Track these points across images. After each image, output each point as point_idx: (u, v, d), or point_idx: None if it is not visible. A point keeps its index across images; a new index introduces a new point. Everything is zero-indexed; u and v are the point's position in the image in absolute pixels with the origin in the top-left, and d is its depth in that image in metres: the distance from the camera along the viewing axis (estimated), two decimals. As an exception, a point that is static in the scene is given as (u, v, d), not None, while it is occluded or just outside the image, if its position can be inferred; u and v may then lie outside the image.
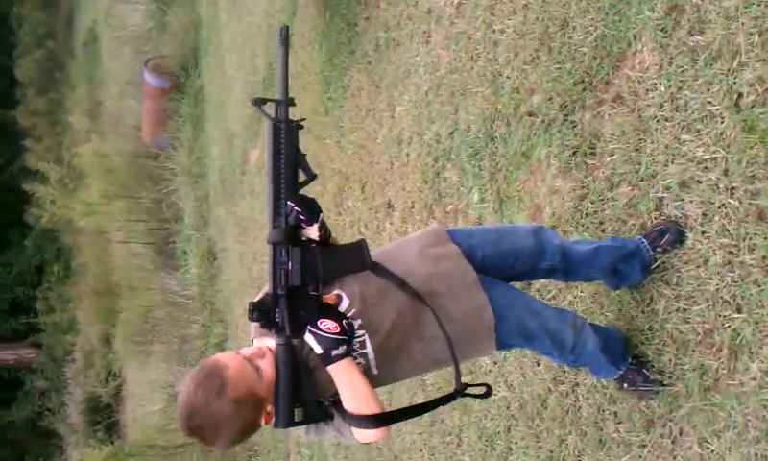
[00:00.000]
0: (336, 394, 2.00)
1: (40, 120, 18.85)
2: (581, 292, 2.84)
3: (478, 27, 3.66)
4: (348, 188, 5.13)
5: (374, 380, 2.09)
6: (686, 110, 2.40)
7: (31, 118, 19.09)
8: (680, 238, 2.39)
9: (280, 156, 2.01)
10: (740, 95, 2.23)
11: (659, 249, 2.43)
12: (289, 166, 2.01)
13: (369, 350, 2.06)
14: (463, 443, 3.54)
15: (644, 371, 2.47)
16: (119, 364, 13.11)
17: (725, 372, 2.24)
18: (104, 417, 14.10)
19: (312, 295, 2.01)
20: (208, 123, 9.68)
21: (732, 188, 2.24)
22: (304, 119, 2.10)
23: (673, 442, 2.41)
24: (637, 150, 2.59)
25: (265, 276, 2.02)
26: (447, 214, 3.80)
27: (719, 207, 2.27)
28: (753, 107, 2.19)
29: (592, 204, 2.80)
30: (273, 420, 2.02)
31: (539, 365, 3.06)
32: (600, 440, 2.69)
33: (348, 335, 1.99)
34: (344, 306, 2.06)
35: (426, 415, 3.76)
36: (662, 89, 2.50)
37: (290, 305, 1.97)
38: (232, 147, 8.30)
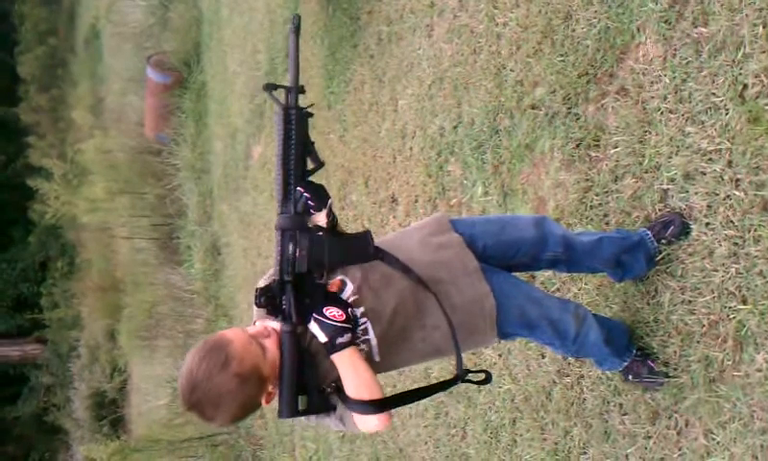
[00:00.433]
0: (337, 380, 2.00)
1: (43, 117, 18.89)
2: (585, 284, 2.84)
3: (481, 20, 3.65)
4: (352, 182, 5.13)
5: (376, 367, 2.09)
6: (691, 102, 2.40)
7: (33, 115, 19.12)
8: (684, 230, 2.39)
9: (291, 142, 2.01)
10: (745, 86, 2.23)
11: (663, 241, 2.43)
12: (299, 152, 2.01)
13: (371, 336, 2.06)
14: (468, 435, 3.55)
15: (649, 362, 2.48)
16: (124, 359, 13.14)
17: (730, 363, 2.24)
18: (109, 412, 14.15)
19: (318, 283, 2.02)
20: (211, 118, 9.68)
21: (737, 180, 2.24)
22: (313, 105, 2.10)
23: (678, 433, 2.41)
24: (642, 142, 2.59)
25: (269, 266, 2.02)
26: (451, 208, 3.80)
27: (724, 199, 2.27)
28: (757, 98, 2.19)
29: (596, 196, 2.80)
30: (274, 403, 2.02)
31: (543, 357, 3.06)
32: (605, 432, 2.70)
33: (352, 323, 2.00)
34: (347, 292, 2.06)
35: (431, 408, 3.79)
36: (667, 81, 2.50)
37: (296, 292, 1.98)
38: (235, 142, 8.30)
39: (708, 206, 2.32)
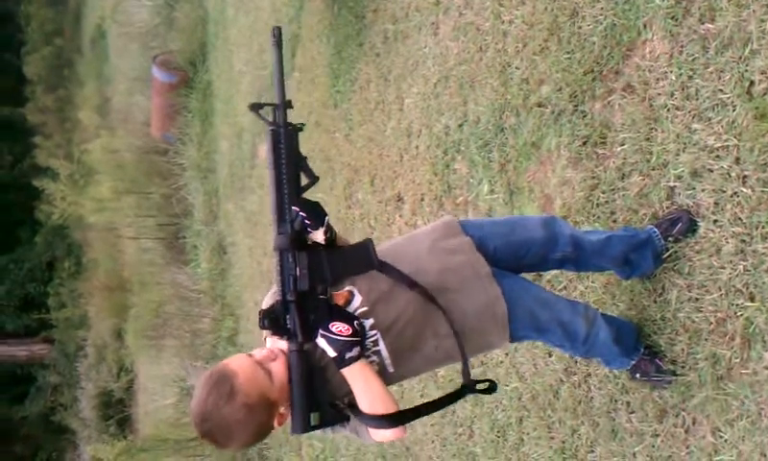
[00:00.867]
0: (350, 394, 2.00)
1: (49, 117, 18.95)
2: (592, 282, 2.84)
3: (487, 18, 3.65)
4: (358, 181, 5.13)
5: (390, 378, 2.09)
6: (698, 99, 2.39)
7: (40, 115, 19.19)
8: (692, 227, 2.38)
9: (281, 161, 2.00)
10: (752, 83, 2.22)
11: (670, 238, 2.42)
12: (291, 171, 2.00)
13: (382, 348, 2.06)
14: (475, 434, 3.55)
15: (656, 361, 2.47)
16: (131, 359, 13.18)
17: (738, 361, 2.23)
18: (116, 412, 14.18)
19: (321, 298, 2.01)
20: (217, 118, 9.70)
21: (745, 176, 2.23)
22: (304, 124, 2.09)
23: (686, 431, 2.40)
24: (648, 139, 2.58)
25: (274, 273, 2.02)
26: (457, 206, 3.80)
27: (731, 196, 2.26)
28: (765, 94, 2.18)
29: (603, 194, 2.79)
30: (287, 421, 2.02)
31: (550, 356, 3.06)
32: (613, 430, 2.69)
33: (360, 336, 1.99)
34: (356, 303, 2.06)
35: (438, 407, 3.78)
36: (673, 78, 2.49)
37: (300, 311, 1.97)
38: (241, 142, 8.31)
39: (716, 204, 2.32)
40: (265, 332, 2.15)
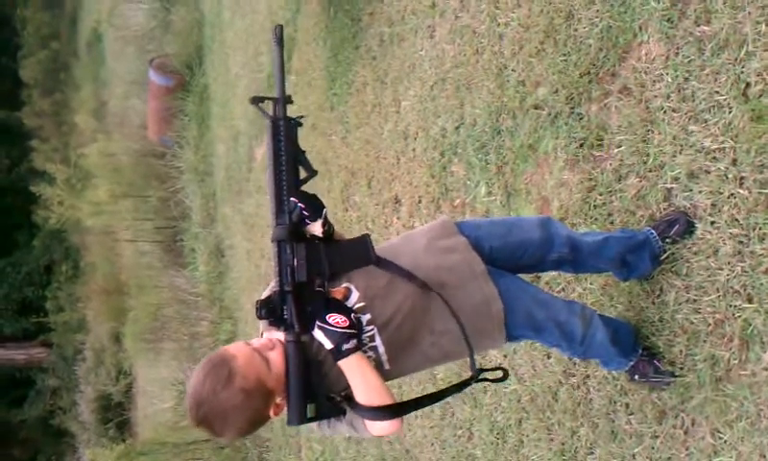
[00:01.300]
0: (347, 388, 2.00)
1: (46, 121, 18.94)
2: (590, 284, 2.84)
3: (483, 20, 3.65)
4: (355, 184, 5.13)
5: (386, 375, 2.09)
6: (694, 101, 2.39)
7: (36, 119, 19.18)
8: (689, 229, 2.38)
9: (280, 153, 2.01)
10: (748, 85, 2.23)
11: (668, 239, 2.43)
12: (290, 163, 2.01)
13: (378, 343, 2.06)
14: (474, 436, 3.55)
15: (655, 362, 2.47)
16: (129, 362, 13.18)
17: (736, 362, 2.23)
18: (115, 415, 14.19)
19: (319, 290, 2.02)
20: (214, 121, 9.70)
21: (741, 178, 2.23)
22: (302, 116, 2.11)
23: (685, 433, 2.41)
24: (645, 141, 2.59)
25: (272, 272, 2.02)
26: (455, 208, 3.80)
27: (728, 197, 2.27)
28: (761, 96, 2.19)
29: (600, 195, 2.80)
30: (283, 413, 2.02)
31: (549, 358, 3.06)
32: (612, 431, 2.70)
33: (357, 329, 1.99)
34: (353, 299, 2.06)
35: (438, 409, 3.79)
36: (669, 80, 2.49)
37: (297, 302, 1.98)
38: (238, 144, 8.31)
39: (713, 205, 2.32)
40: (261, 326, 2.15)
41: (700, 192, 2.36)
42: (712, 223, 2.32)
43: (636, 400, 2.59)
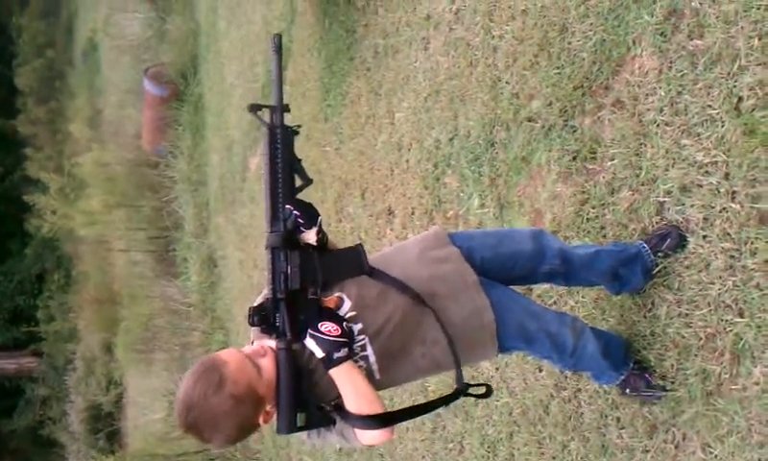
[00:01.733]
0: (338, 397, 1.99)
1: (40, 129, 18.90)
2: (582, 297, 2.83)
3: (477, 33, 3.66)
4: (349, 195, 5.12)
5: (377, 384, 2.08)
6: (686, 115, 2.40)
7: (31, 127, 19.14)
8: (681, 243, 2.38)
9: (277, 160, 2.02)
10: (740, 99, 2.23)
11: (660, 253, 2.43)
12: (286, 171, 2.02)
13: (369, 353, 2.05)
14: (465, 449, 3.53)
15: (646, 376, 2.47)
16: (120, 372, 13.10)
17: (727, 376, 2.23)
18: (105, 425, 14.10)
19: (312, 298, 2.01)
20: (208, 131, 9.69)
21: (734, 192, 2.23)
22: (300, 126, 2.11)
23: (676, 447, 2.40)
24: (638, 154, 2.59)
25: (265, 281, 2.01)
26: (448, 220, 3.80)
27: (720, 211, 2.27)
28: (753, 110, 2.19)
29: (593, 208, 2.80)
30: (272, 421, 2.01)
31: (540, 371, 3.05)
32: (603, 446, 2.68)
33: (348, 338, 1.99)
34: (345, 309, 2.05)
35: (429, 422, 3.77)
36: (662, 94, 2.50)
37: (290, 309, 1.97)
38: (232, 155, 8.30)
39: (705, 219, 2.32)
40: (253, 334, 2.14)
41: (692, 206, 2.36)
42: (704, 237, 2.32)
43: (627, 415, 2.58)
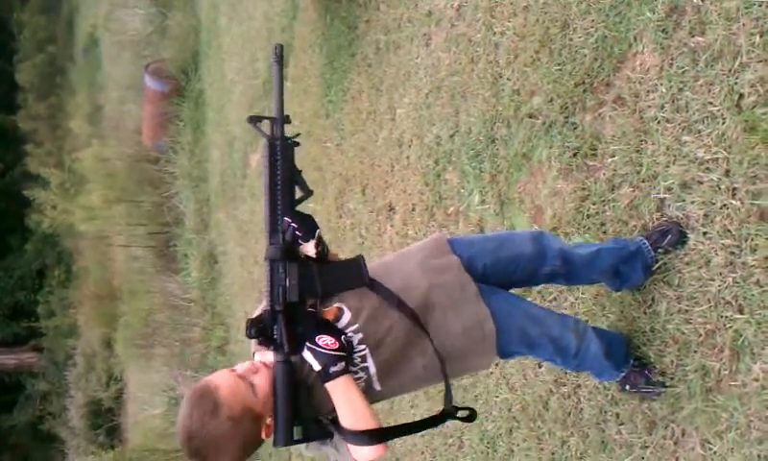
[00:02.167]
0: (335, 411, 1.99)
1: (41, 125, 18.90)
2: (582, 294, 2.84)
3: (478, 29, 3.66)
4: (349, 191, 5.13)
5: (377, 395, 2.09)
6: (687, 111, 2.40)
7: (31, 123, 19.14)
8: (681, 239, 2.39)
9: (276, 173, 2.02)
10: (741, 96, 2.23)
11: (660, 250, 2.43)
12: (285, 183, 2.02)
13: (370, 364, 2.05)
14: (464, 445, 3.54)
15: (646, 372, 2.47)
16: (120, 368, 13.12)
17: (727, 373, 2.23)
18: (105, 421, 14.11)
19: (310, 311, 2.01)
20: (209, 126, 9.69)
21: (734, 189, 2.23)
22: (299, 135, 2.11)
23: (675, 443, 2.40)
24: (638, 151, 2.59)
25: (264, 289, 2.01)
26: (448, 216, 3.80)
27: (721, 208, 2.27)
28: (754, 107, 2.19)
29: (594, 205, 2.80)
30: (273, 436, 2.02)
31: (540, 367, 3.05)
32: (602, 441, 2.69)
33: (346, 351, 1.98)
34: (345, 320, 2.05)
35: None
36: (663, 90, 2.50)
37: (288, 322, 1.97)
38: (233, 150, 8.30)
39: (705, 216, 2.32)
40: (253, 347, 2.15)
41: (692, 202, 2.36)
42: (705, 233, 2.32)
43: (626, 411, 2.59)
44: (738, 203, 2.22)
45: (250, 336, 1.97)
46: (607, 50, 2.78)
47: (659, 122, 2.51)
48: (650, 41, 2.58)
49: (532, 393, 3.07)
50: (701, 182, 2.34)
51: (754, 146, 2.18)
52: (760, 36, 2.18)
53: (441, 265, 2.21)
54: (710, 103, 2.32)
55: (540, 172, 3.14)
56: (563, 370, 2.88)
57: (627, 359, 2.50)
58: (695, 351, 2.33)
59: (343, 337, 1.99)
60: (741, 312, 2.20)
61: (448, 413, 2.09)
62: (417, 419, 2.15)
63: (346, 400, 1.96)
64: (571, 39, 2.98)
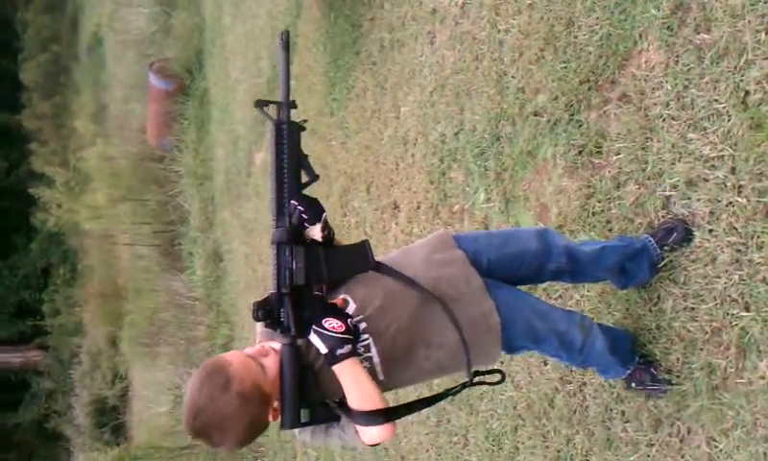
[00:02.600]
0: (342, 396, 2.00)
1: (46, 124, 18.94)
2: (588, 291, 2.84)
3: (483, 27, 3.66)
4: (354, 189, 5.13)
5: (380, 385, 2.09)
6: (693, 109, 2.40)
7: (36, 122, 19.18)
8: (687, 237, 2.38)
9: (283, 156, 2.02)
10: (747, 93, 2.23)
11: (666, 247, 2.43)
12: (292, 166, 2.02)
13: (373, 353, 2.05)
14: (470, 443, 3.54)
15: (652, 370, 2.47)
16: (125, 366, 13.14)
17: (733, 370, 2.23)
18: (110, 419, 14.14)
19: (317, 295, 2.02)
20: (213, 125, 9.70)
21: (740, 186, 2.23)
22: (306, 121, 2.11)
23: (681, 441, 2.40)
24: (644, 149, 2.59)
25: (270, 278, 2.02)
26: (453, 215, 3.80)
27: (726, 205, 2.27)
28: (760, 104, 2.19)
29: (599, 203, 2.80)
30: (280, 419, 2.02)
31: (545, 365, 3.05)
32: (608, 439, 2.69)
33: (353, 335, 1.99)
34: (350, 310, 2.06)
35: (433, 416, 3.78)
36: (669, 88, 2.49)
37: (294, 305, 1.97)
38: (237, 149, 8.31)
39: (711, 213, 2.32)
40: (258, 335, 2.15)
41: (698, 200, 2.36)
42: (710, 231, 2.32)
43: (632, 408, 2.59)
44: (744, 200, 2.21)
45: (256, 319, 1.97)
46: (612, 47, 2.78)
47: (664, 119, 2.50)
48: (655, 39, 2.58)
49: (537, 391, 3.07)
50: (707, 180, 2.34)
51: (760, 143, 2.17)
52: (766, 34, 2.18)
53: (446, 259, 2.21)
54: (716, 100, 2.32)
55: (545, 170, 3.14)
56: (568, 367, 2.88)
57: (633, 356, 2.50)
58: (701, 349, 2.33)
59: (349, 321, 1.99)
60: (747, 310, 2.20)
61: (471, 379, 2.09)
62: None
63: (353, 381, 1.97)
64: (576, 37, 2.97)
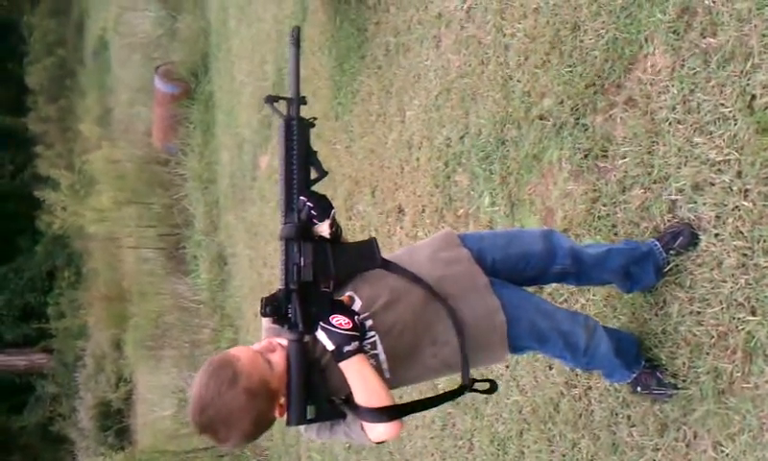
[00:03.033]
0: (348, 393, 2.00)
1: (51, 127, 18.99)
2: (593, 295, 2.83)
3: (488, 31, 3.66)
4: (359, 193, 5.13)
5: (386, 383, 2.09)
6: (699, 113, 2.39)
7: (42, 125, 19.23)
8: (693, 241, 2.38)
9: (292, 152, 2.02)
10: (753, 97, 2.23)
11: (672, 251, 2.42)
12: (300, 163, 2.03)
13: (380, 351, 2.06)
14: (474, 447, 3.54)
15: (657, 374, 2.47)
16: (130, 369, 13.15)
17: (739, 375, 2.23)
18: (115, 422, 14.15)
19: (324, 291, 2.02)
20: (218, 129, 9.71)
21: (746, 190, 2.23)
22: (316, 118, 2.12)
23: (687, 446, 2.40)
24: (650, 152, 2.59)
25: (276, 280, 2.02)
26: (458, 218, 3.80)
27: (733, 210, 2.26)
28: (766, 108, 2.19)
29: (605, 206, 2.79)
30: (286, 415, 2.02)
31: (551, 369, 3.05)
32: (613, 444, 2.68)
33: (360, 332, 1.99)
34: (356, 307, 2.06)
35: (438, 420, 3.78)
36: (675, 92, 2.49)
37: (302, 301, 1.97)
38: (242, 153, 8.32)
39: (717, 217, 2.32)
40: (264, 331, 2.15)
41: (704, 204, 2.36)
42: (716, 235, 2.32)
43: (637, 413, 2.58)
44: (750, 204, 2.21)
45: (264, 314, 1.97)
46: (618, 51, 2.78)
47: (670, 123, 2.50)
48: (661, 43, 2.58)
49: (542, 395, 3.07)
50: (713, 184, 2.33)
51: (765, 147, 2.17)
52: (773, 38, 2.18)
53: (450, 257, 2.22)
54: (722, 104, 2.31)
55: (550, 173, 3.14)
56: (573, 370, 2.88)
57: (638, 360, 2.49)
58: (707, 353, 2.33)
59: (356, 318, 2.00)
60: (754, 314, 2.19)
61: (468, 386, 2.09)
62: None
63: (360, 377, 1.97)
64: (582, 41, 2.98)
